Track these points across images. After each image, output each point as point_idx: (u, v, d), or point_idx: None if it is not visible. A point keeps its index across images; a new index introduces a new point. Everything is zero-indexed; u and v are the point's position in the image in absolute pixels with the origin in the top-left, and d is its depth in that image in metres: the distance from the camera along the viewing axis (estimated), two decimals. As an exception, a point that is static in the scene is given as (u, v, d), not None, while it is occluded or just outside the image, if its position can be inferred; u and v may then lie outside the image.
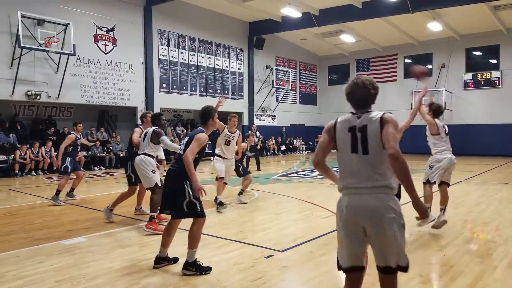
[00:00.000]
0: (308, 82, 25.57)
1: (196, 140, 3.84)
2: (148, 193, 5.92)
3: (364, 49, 23.57)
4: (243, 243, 4.82)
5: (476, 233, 5.45)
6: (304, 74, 25.22)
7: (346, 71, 25.27)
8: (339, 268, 2.50)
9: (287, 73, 22.69)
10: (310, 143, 24.31)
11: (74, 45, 13.13)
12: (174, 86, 17.60)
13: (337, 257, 2.52)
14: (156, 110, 16.76)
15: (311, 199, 7.79)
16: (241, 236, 5.17)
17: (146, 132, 5.82)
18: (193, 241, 3.81)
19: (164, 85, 17.20)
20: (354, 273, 2.46)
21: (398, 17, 18.00)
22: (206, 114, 4.11)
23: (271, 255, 4.34)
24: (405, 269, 2.41)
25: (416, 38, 21.66)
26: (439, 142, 5.57)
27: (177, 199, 3.76)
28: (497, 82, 20.03)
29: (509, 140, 19.66)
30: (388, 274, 2.40)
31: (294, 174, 12.39)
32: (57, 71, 13.54)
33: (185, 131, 18.18)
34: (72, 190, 8.22)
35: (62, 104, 15.51)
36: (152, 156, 5.77)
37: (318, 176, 11.52)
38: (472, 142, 20.34)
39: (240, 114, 20.88)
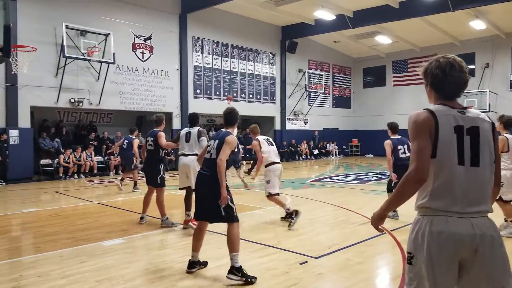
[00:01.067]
0: (342, 85, 25.20)
1: (227, 144, 3.84)
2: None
3: (401, 50, 22.95)
4: (277, 248, 4.80)
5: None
6: (338, 77, 24.88)
7: (382, 73, 24.70)
8: None
9: (320, 76, 22.47)
10: (344, 147, 23.93)
11: (114, 53, 13.67)
12: (208, 92, 17.90)
13: None
14: (191, 115, 17.08)
15: (346, 205, 7.64)
16: (275, 241, 5.14)
17: (189, 133, 5.87)
18: (233, 245, 3.76)
19: (198, 91, 17.53)
20: None
21: (437, 16, 17.37)
22: (235, 116, 4.10)
23: (306, 262, 4.29)
24: None
25: (456, 37, 20.82)
26: (507, 160, 4.92)
27: (215, 204, 3.74)
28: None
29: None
30: None
31: (327, 179, 12.21)
32: (98, 79, 14.14)
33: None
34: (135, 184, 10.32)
35: (103, 111, 16.16)
36: None
37: (353, 182, 11.29)
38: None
39: (272, 119, 20.90)
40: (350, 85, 25.75)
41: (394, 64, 23.97)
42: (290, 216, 5.98)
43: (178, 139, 6.02)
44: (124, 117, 16.64)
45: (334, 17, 17.72)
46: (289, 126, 21.37)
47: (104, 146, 14.98)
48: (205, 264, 4.16)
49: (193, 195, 4.31)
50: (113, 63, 13.88)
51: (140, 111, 16.01)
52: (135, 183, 10.32)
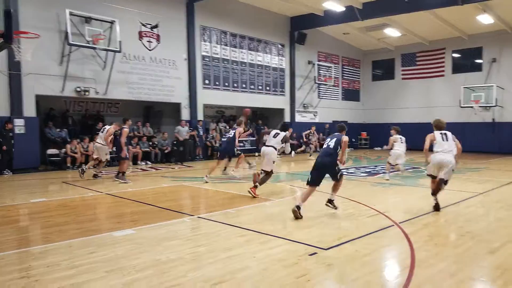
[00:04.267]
0: (351, 78, 25.04)
1: (344, 143, 6.35)
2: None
3: (410, 43, 22.70)
4: (287, 239, 4.84)
5: (534, 238, 5.13)
6: (347, 70, 24.72)
7: (391, 66, 24.49)
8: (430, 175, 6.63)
9: (330, 68, 22.32)
10: (353, 140, 23.75)
11: (120, 42, 13.61)
12: (217, 83, 17.87)
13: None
14: (199, 106, 17.15)
15: (355, 198, 7.66)
16: (285, 232, 5.18)
17: (277, 133, 8.24)
18: (336, 189, 6.53)
19: (206, 82, 17.50)
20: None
21: (446, 9, 17.14)
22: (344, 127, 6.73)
23: (315, 253, 4.33)
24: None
25: (464, 31, 20.54)
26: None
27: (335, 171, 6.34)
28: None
29: None
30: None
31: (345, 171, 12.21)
32: (104, 67, 14.10)
33: (227, 127, 18.39)
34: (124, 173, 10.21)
35: (110, 100, 16.20)
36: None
37: (362, 174, 11.30)
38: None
39: (281, 111, 20.85)
40: (359, 78, 25.58)
41: (403, 57, 23.74)
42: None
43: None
44: (132, 107, 16.68)
45: (343, 9, 17.55)
46: (298, 118, 21.33)
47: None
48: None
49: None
50: (119, 51, 13.82)
51: (148, 101, 16.04)
52: (123, 173, 10.11)
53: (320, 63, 22.08)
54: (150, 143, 15.61)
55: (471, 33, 20.62)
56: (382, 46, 23.68)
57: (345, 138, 6.31)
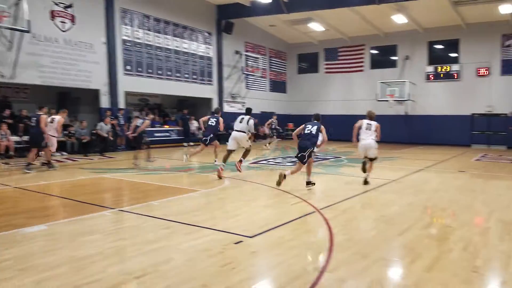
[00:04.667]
0: (278, 70, 25.65)
1: (323, 129, 7.74)
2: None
3: (333, 39, 23.85)
4: (212, 229, 4.85)
5: (435, 218, 5.76)
6: (274, 61, 25.26)
7: (315, 60, 25.53)
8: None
9: (257, 59, 22.63)
10: (281, 131, 24.40)
11: (28, 21, 12.38)
12: (139, 69, 17.09)
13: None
14: (120, 93, 16.30)
15: (281, 186, 7.90)
16: (211, 222, 5.19)
17: (243, 118, 9.41)
18: (310, 170, 7.79)
19: (128, 67, 16.66)
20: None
21: (365, 7, 18.34)
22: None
23: (241, 241, 4.40)
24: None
25: (381, 29, 22.14)
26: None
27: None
28: (456, 75, 20.90)
29: (466, 131, 20.69)
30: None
31: (264, 162, 12.49)
32: (10, 48, 12.77)
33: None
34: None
35: (17, 85, 14.71)
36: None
37: (288, 164, 11.69)
38: (434, 132, 21.26)
39: (209, 100, 20.69)
40: (285, 70, 26.30)
41: (326, 51, 24.87)
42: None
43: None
44: (44, 93, 15.30)
45: (270, 0, 17.83)
46: (226, 108, 21.34)
47: (22, 124, 13.72)
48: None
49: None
50: (28, 31, 12.57)
51: (62, 86, 14.85)
52: (49, 162, 10.22)
53: (248, 53, 22.28)
54: (66, 132, 14.51)
55: (387, 31, 22.26)
56: (307, 40, 24.58)
57: (323, 127, 7.76)
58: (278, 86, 25.61)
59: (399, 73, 22.17)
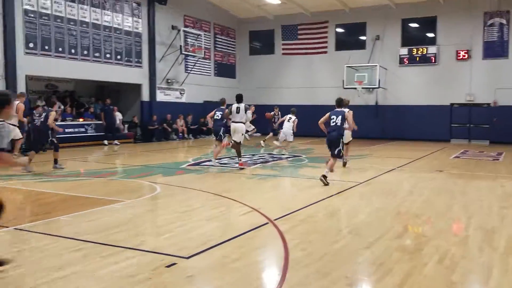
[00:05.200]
0: (226, 50, 25.58)
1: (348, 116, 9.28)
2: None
3: (291, 14, 24.19)
4: (139, 250, 4.70)
5: (407, 226, 5.98)
6: (221, 40, 25.16)
7: (271, 38, 25.78)
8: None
9: (199, 37, 22.38)
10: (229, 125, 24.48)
11: None
12: (46, 47, 16.26)
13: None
14: (20, 77, 15.43)
15: (228, 193, 7.86)
16: (137, 241, 5.03)
17: (238, 107, 11.08)
18: (332, 165, 8.94)
19: (31, 45, 15.79)
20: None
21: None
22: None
23: (174, 263, 4.30)
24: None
25: (346, 3, 22.76)
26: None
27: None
28: (433, 58, 21.97)
29: (444, 123, 21.84)
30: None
31: (207, 163, 12.39)
32: None
33: (62, 106, 17.05)
34: None
35: None
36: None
37: (236, 165, 11.69)
38: (408, 125, 22.24)
39: (137, 87, 20.24)
40: (234, 51, 26.29)
41: (284, 29, 25.19)
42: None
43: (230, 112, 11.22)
44: None
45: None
46: (161, 97, 21.00)
47: None
48: None
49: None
50: None
51: None
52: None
53: (187, 29, 22.00)
54: None
55: (354, 6, 22.95)
56: (261, 14, 24.75)
57: (348, 112, 9.28)
58: (225, 70, 25.56)
59: (368, 56, 22.94)
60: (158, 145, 18.32)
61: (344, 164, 11.19)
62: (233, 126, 11.14)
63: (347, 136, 10.50)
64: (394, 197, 7.88)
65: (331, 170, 8.90)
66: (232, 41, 26.10)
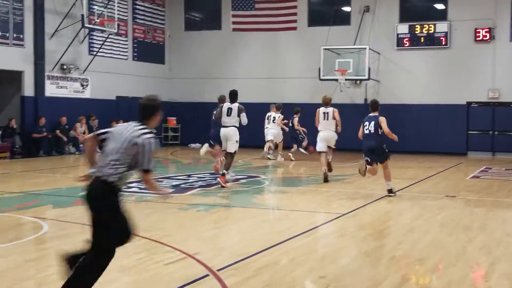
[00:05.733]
0: (150, 23, 25.40)
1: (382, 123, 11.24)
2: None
3: (246, -29, 24.36)
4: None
5: (407, 276, 6.05)
6: (143, 8, 25.04)
7: (215, 8, 25.94)
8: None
9: (111, 3, 22.14)
10: (155, 130, 24.15)
11: None
12: None
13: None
14: None
15: (150, 232, 7.73)
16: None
17: (230, 108, 12.33)
18: (387, 175, 11.39)
19: None
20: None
21: None
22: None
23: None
24: None
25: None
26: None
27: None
28: (443, 39, 22.55)
29: (459, 130, 22.40)
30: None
31: (133, 188, 12.19)
32: None
33: None
34: None
35: None
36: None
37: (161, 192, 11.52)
38: (410, 132, 22.32)
39: (17, 75, 19.92)
40: (163, 24, 26.15)
41: (235, -6, 25.32)
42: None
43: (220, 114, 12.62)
44: None
45: None
46: (52, 90, 20.77)
47: None
48: None
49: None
50: None
51: None
52: None
53: (93, -9, 21.77)
54: None
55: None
56: (202, -29, 24.78)
57: (382, 118, 11.03)
58: (149, 52, 25.46)
59: (354, 35, 23.29)
60: (46, 162, 17.94)
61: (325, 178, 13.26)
62: (223, 131, 12.45)
63: (331, 139, 13.47)
64: (387, 235, 7.99)
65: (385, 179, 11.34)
66: (160, 11, 26.02)
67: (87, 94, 22.13)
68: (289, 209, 8.88)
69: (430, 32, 22.70)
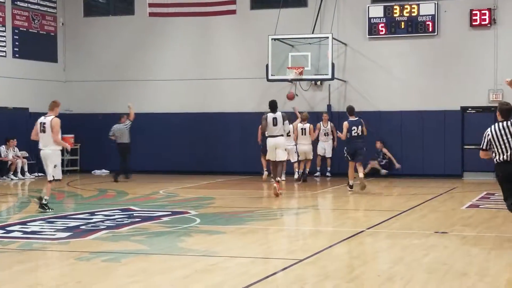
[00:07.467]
0: (36, 7, 25.22)
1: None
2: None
3: None
4: None
5: None
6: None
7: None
8: None
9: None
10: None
11: None
12: None
13: None
14: None
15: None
16: None
17: (275, 118, 16.81)
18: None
19: None
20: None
21: None
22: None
23: None
24: None
25: None
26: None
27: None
28: (430, 24, 23.09)
29: (452, 145, 22.94)
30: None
31: (15, 232, 12.10)
32: None
33: None
34: None
35: None
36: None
37: (56, 235, 11.47)
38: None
39: None
40: (55, 10, 25.99)
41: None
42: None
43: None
44: None
45: None
46: None
47: None
48: None
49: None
50: None
51: None
52: None
53: None
54: None
55: None
56: None
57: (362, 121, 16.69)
58: (36, 46, 25.35)
59: (312, 21, 23.69)
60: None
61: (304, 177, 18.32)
62: (272, 141, 16.79)
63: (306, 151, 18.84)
64: (361, 285, 8.08)
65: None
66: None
67: None
68: (226, 255, 8.83)
69: (412, 15, 23.23)
